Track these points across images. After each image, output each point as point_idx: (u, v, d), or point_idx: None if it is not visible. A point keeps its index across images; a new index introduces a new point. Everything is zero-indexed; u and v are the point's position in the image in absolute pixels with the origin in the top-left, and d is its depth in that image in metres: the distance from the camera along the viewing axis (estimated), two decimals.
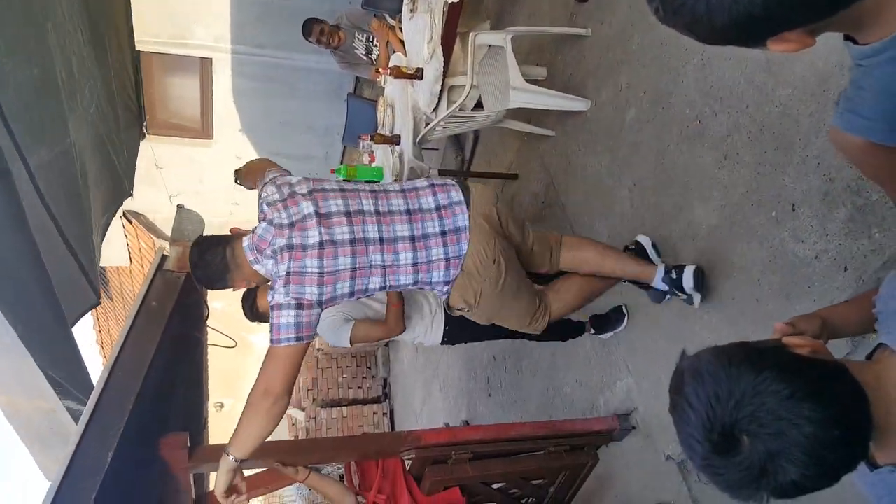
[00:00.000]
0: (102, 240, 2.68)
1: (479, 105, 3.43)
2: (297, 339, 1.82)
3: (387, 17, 4.64)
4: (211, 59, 6.64)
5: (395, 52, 4.26)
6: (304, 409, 6.62)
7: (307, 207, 1.91)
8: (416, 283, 1.98)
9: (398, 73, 3.35)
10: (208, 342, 2.47)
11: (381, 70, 3.71)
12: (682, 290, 2.32)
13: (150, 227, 6.19)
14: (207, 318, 2.40)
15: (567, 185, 3.38)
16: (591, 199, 3.13)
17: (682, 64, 2.53)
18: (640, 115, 2.79)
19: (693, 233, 2.42)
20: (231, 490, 1.93)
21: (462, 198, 2.02)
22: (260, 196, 2.04)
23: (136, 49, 2.58)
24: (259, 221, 1.96)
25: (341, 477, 2.83)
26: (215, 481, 1.95)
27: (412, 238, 1.94)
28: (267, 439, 1.92)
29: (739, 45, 0.75)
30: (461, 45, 3.17)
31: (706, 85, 2.39)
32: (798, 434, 0.68)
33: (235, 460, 1.89)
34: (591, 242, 2.44)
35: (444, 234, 1.96)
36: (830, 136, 0.91)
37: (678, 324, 2.47)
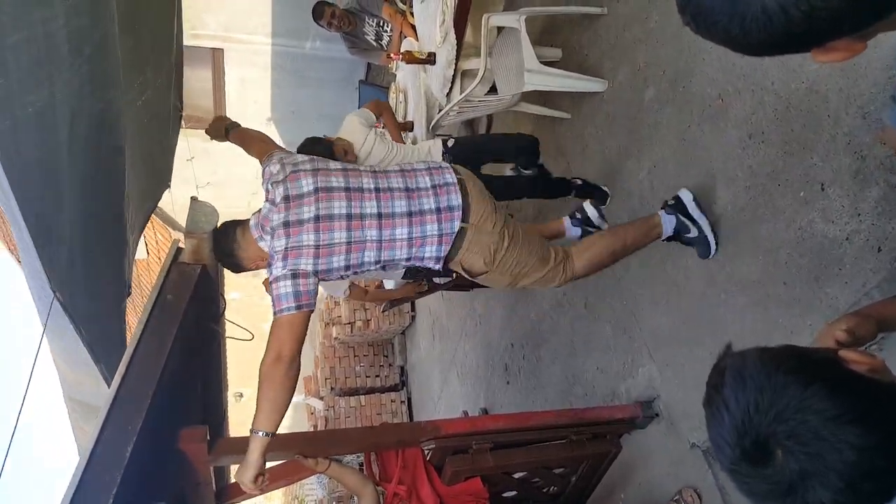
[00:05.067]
0: (141, 233, 2.73)
1: (492, 89, 3.37)
2: (298, 307, 1.89)
3: (397, 1, 4.58)
4: (222, 49, 6.62)
5: (406, 37, 4.20)
6: (322, 399, 6.65)
7: (308, 185, 2.00)
8: (409, 258, 2.05)
9: (410, 58, 3.30)
10: (226, 334, 2.45)
11: (392, 55, 3.65)
12: (689, 216, 2.33)
13: (167, 220, 6.21)
14: (224, 310, 2.39)
15: (584, 167, 3.31)
16: (608, 181, 3.06)
17: (704, 41, 2.44)
18: (659, 95, 2.71)
19: (718, 213, 2.35)
20: (259, 476, 1.92)
21: (454, 179, 2.10)
22: (264, 176, 2.12)
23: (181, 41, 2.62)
24: (265, 201, 2.06)
25: (361, 465, 2.82)
26: (242, 468, 1.93)
27: (409, 213, 2.02)
28: (287, 409, 1.91)
29: (780, 55, 0.71)
30: (473, 27, 3.11)
31: (728, 62, 2.31)
32: (837, 459, 0.64)
33: (266, 434, 1.88)
34: (597, 237, 2.39)
35: (438, 210, 2.04)
36: (884, 136, 0.84)
37: (701, 309, 2.42)
